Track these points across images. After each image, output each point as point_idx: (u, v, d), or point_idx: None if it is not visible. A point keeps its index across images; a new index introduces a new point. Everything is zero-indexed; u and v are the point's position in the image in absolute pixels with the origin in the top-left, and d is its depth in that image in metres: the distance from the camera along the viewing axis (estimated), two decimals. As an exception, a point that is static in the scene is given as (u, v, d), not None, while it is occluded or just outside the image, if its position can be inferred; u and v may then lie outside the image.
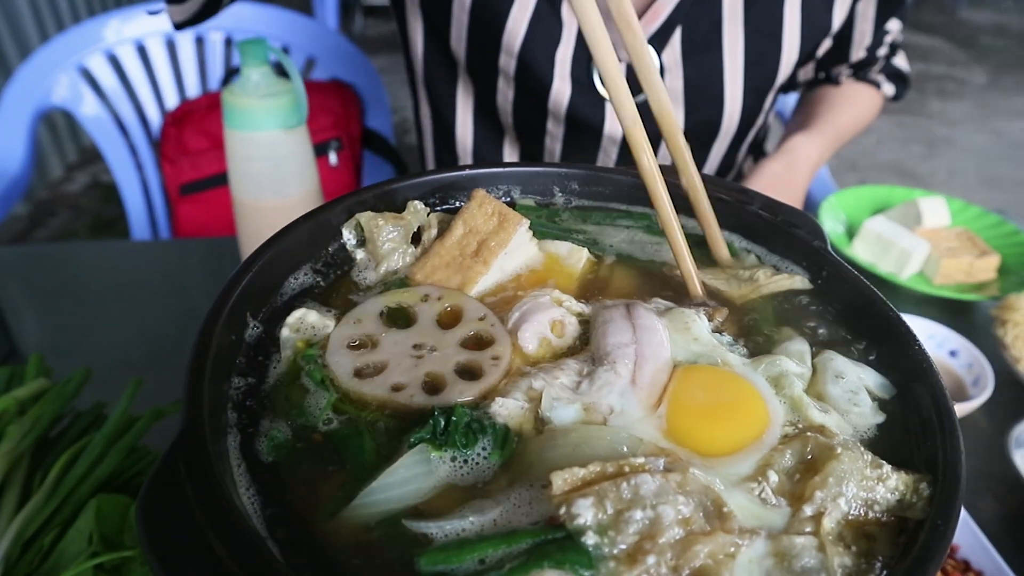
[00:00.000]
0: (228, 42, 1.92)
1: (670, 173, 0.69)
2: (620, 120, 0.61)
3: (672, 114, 0.64)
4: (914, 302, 1.28)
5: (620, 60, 1.17)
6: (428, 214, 0.68)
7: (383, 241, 0.63)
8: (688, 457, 0.47)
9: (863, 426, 0.53)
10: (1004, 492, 0.94)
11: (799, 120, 1.42)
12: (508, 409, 0.49)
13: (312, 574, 0.41)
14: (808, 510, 0.45)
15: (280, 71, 1.05)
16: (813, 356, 0.57)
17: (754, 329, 0.61)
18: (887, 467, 0.47)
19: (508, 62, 1.22)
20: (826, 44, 1.30)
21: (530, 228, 0.65)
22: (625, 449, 0.46)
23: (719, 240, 0.69)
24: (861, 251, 1.37)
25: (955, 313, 1.27)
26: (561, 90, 1.22)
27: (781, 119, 1.93)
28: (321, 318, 0.57)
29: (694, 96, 1.24)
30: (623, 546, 0.41)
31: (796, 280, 0.65)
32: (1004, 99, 5.35)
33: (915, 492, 0.46)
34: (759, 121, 1.37)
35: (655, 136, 1.08)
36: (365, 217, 0.64)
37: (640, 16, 1.16)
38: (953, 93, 5.40)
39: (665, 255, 0.68)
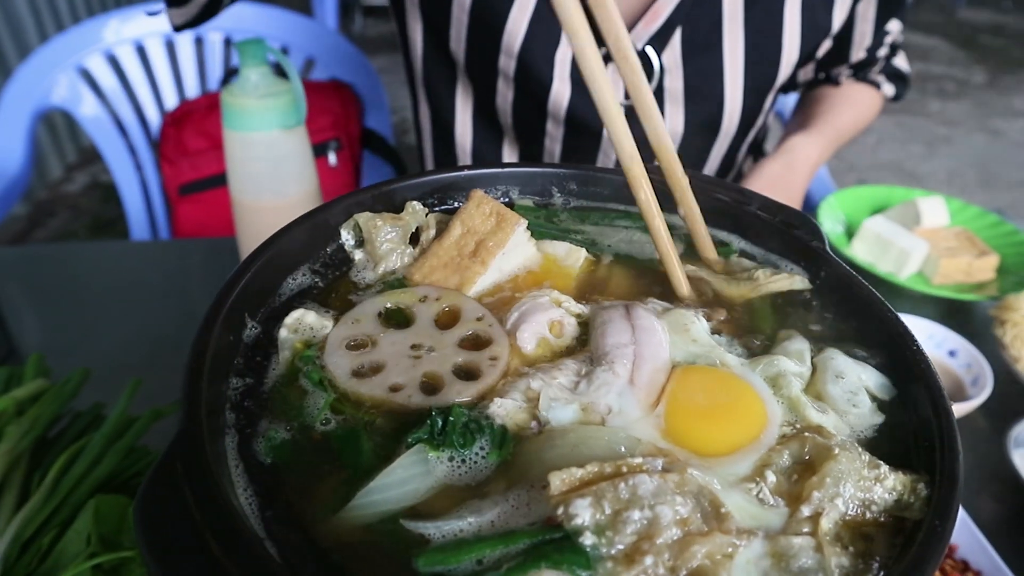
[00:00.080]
0: (227, 42, 1.92)
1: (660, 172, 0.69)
2: (619, 157, 0.62)
3: (670, 148, 0.64)
4: (913, 302, 1.28)
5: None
6: (426, 214, 0.68)
7: (381, 241, 0.63)
8: (686, 457, 0.47)
9: (861, 426, 0.53)
10: (1003, 492, 0.94)
11: (799, 120, 1.42)
12: (506, 409, 0.49)
13: (310, 575, 0.41)
14: (806, 510, 0.45)
15: (279, 71, 1.05)
16: (814, 355, 0.57)
17: (753, 329, 0.61)
18: (885, 467, 0.47)
19: (508, 63, 1.22)
20: (826, 45, 1.30)
21: (528, 228, 0.65)
22: (623, 449, 0.46)
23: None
24: (860, 251, 1.37)
25: (954, 313, 1.27)
26: (561, 91, 1.22)
27: (781, 119, 1.93)
28: (319, 319, 0.57)
29: (694, 96, 1.24)
30: (621, 546, 0.41)
31: (796, 280, 0.65)
32: (1003, 99, 5.35)
33: (913, 492, 0.46)
34: (759, 121, 1.37)
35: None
36: (363, 218, 0.64)
37: (640, 17, 1.16)
38: (952, 93, 5.40)
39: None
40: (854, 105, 1.42)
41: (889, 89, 1.44)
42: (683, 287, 0.64)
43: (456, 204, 0.71)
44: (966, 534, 0.84)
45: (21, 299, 1.23)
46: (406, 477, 0.46)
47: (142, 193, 1.88)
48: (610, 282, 0.66)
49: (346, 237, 0.65)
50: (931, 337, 1.12)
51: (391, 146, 1.90)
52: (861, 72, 1.41)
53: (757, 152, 1.54)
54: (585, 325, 0.59)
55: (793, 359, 0.55)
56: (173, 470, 0.41)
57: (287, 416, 0.50)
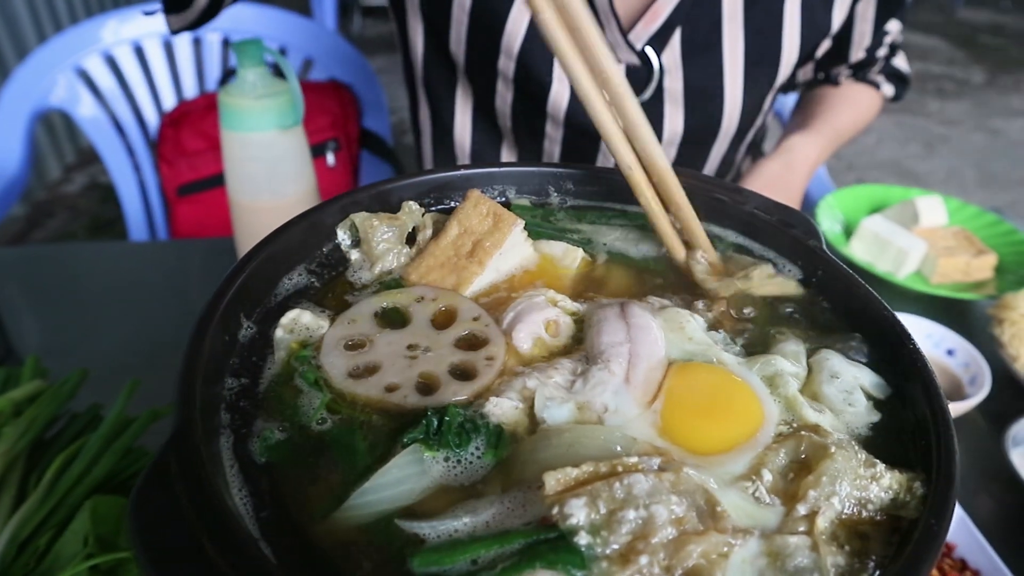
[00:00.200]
0: (226, 43, 1.92)
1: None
2: (618, 166, 0.63)
3: (663, 166, 0.64)
4: (911, 301, 1.28)
5: (620, 61, 1.18)
6: (423, 214, 0.68)
7: (378, 241, 0.63)
8: (682, 456, 0.47)
9: (857, 425, 0.53)
10: (1001, 490, 0.94)
11: (798, 120, 1.42)
12: (502, 409, 0.49)
13: (305, 575, 0.41)
14: (802, 509, 0.45)
15: (277, 72, 1.05)
16: (809, 355, 0.57)
17: (750, 328, 0.61)
18: (881, 466, 0.47)
19: (507, 64, 1.22)
20: (825, 45, 1.30)
21: (525, 228, 0.65)
22: (619, 448, 0.46)
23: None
24: (858, 250, 1.37)
25: (952, 312, 1.27)
26: (560, 92, 1.22)
27: (780, 119, 1.93)
28: (315, 319, 0.57)
29: (694, 97, 1.24)
30: (616, 546, 0.41)
31: (789, 285, 0.65)
32: (1002, 98, 5.36)
33: (909, 491, 0.46)
34: (758, 121, 1.37)
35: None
36: (360, 217, 0.64)
37: (640, 17, 1.16)
38: (951, 92, 5.40)
39: (661, 253, 0.69)
40: (853, 105, 1.42)
41: (888, 89, 1.44)
42: (680, 252, 0.65)
43: (453, 204, 0.71)
44: (964, 533, 0.84)
45: (20, 300, 1.23)
46: (401, 477, 0.45)
47: (140, 194, 1.88)
48: (607, 281, 0.66)
49: (342, 237, 0.65)
50: (929, 336, 1.12)
51: (389, 146, 1.90)
52: (860, 72, 1.41)
53: (756, 152, 1.54)
54: (581, 324, 0.58)
55: (789, 359, 0.55)
56: (168, 471, 0.41)
57: (282, 416, 0.50)
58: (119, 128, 1.87)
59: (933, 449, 0.48)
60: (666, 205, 0.66)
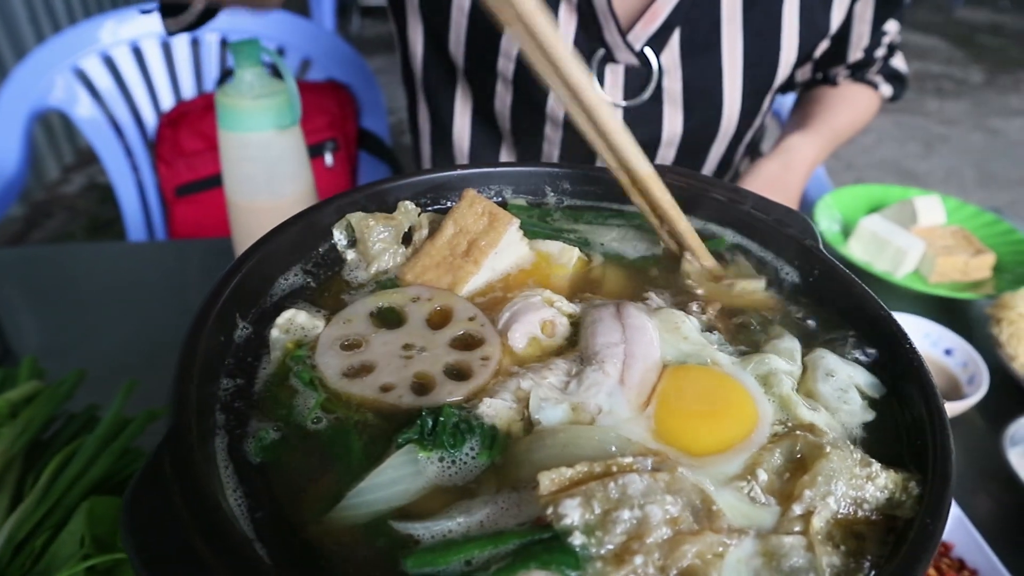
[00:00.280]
0: (224, 43, 1.92)
1: (664, 174, 0.68)
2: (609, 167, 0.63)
3: (651, 176, 0.63)
4: (909, 301, 1.28)
5: (618, 62, 1.18)
6: (419, 214, 0.68)
7: (374, 241, 0.63)
8: (677, 457, 0.47)
9: (853, 424, 0.52)
10: (999, 490, 0.94)
11: (796, 120, 1.42)
12: (496, 409, 0.49)
13: (299, 576, 0.41)
14: (797, 509, 0.45)
15: (275, 72, 1.05)
16: (804, 354, 0.57)
17: (744, 327, 0.61)
18: (876, 465, 0.47)
19: (507, 65, 1.22)
20: (824, 45, 1.30)
21: (521, 228, 0.65)
22: (613, 449, 0.46)
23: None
24: (857, 250, 1.37)
25: (950, 311, 1.27)
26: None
27: (778, 119, 1.93)
28: (311, 319, 0.57)
29: (693, 97, 1.24)
30: (610, 546, 0.41)
31: (768, 302, 0.64)
32: (1001, 98, 5.36)
33: (904, 490, 0.46)
34: (757, 122, 1.37)
35: (655, 141, 1.07)
36: (356, 217, 0.64)
37: (639, 17, 1.16)
38: (950, 92, 5.40)
39: (658, 253, 0.68)
40: (852, 105, 1.42)
41: (887, 89, 1.44)
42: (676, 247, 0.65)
43: (449, 204, 0.71)
44: (962, 532, 0.84)
45: (18, 300, 1.23)
46: (396, 477, 0.45)
47: (138, 194, 1.88)
48: (603, 281, 0.66)
49: (338, 237, 0.65)
50: (927, 335, 1.12)
51: (388, 147, 1.90)
52: (859, 72, 1.41)
53: (754, 152, 1.54)
54: (577, 325, 0.58)
55: (784, 358, 0.55)
56: (162, 472, 0.41)
57: (277, 416, 0.50)
58: (117, 128, 1.87)
59: (929, 448, 0.48)
60: (655, 212, 0.66)
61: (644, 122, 1.25)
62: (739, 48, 1.20)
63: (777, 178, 1.27)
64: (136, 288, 1.27)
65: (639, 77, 1.21)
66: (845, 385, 0.54)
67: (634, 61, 1.19)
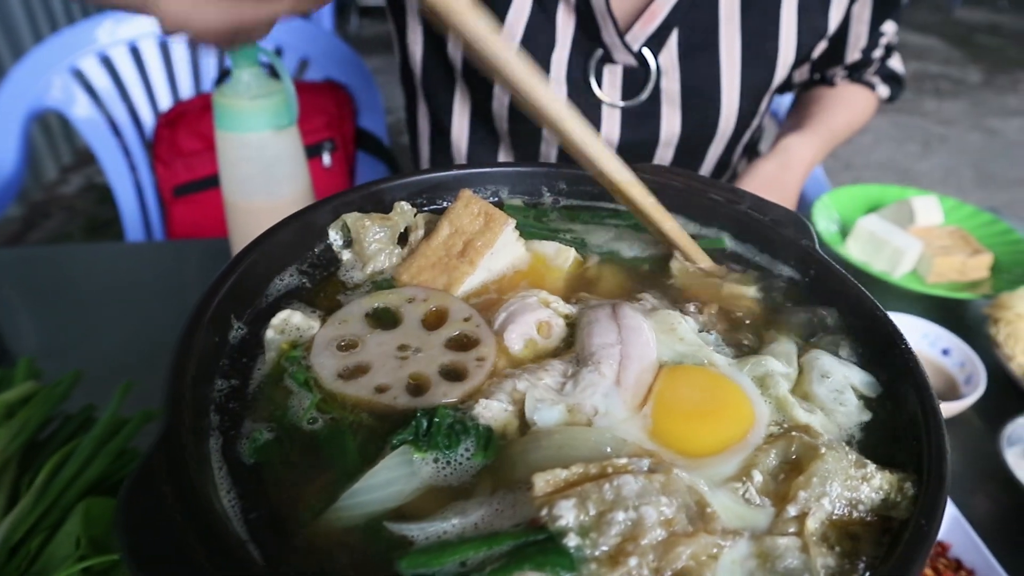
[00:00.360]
0: (222, 43, 1.92)
1: (662, 174, 0.69)
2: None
3: (632, 183, 0.62)
4: (907, 301, 1.28)
5: (617, 62, 1.18)
6: (415, 214, 0.68)
7: (370, 242, 0.63)
8: (672, 458, 0.47)
9: (848, 425, 0.52)
10: (996, 490, 0.94)
11: (794, 121, 1.42)
12: (491, 411, 0.49)
13: (293, 577, 0.41)
14: (792, 510, 0.45)
15: (273, 72, 1.05)
16: (800, 356, 0.57)
17: (741, 329, 0.61)
18: (871, 466, 0.47)
19: None
20: (822, 46, 1.30)
21: (517, 228, 0.65)
22: (609, 450, 0.46)
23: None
24: (854, 250, 1.37)
25: (948, 311, 1.27)
26: (557, 93, 1.22)
27: (776, 120, 1.93)
28: (306, 319, 0.56)
29: (691, 98, 1.24)
30: (605, 548, 0.40)
31: (752, 306, 0.64)
32: (999, 98, 5.36)
33: (899, 491, 0.46)
34: (755, 123, 1.37)
35: (653, 141, 1.07)
36: (352, 218, 0.64)
37: (637, 18, 1.16)
38: (948, 92, 5.41)
39: (654, 253, 0.68)
40: (849, 106, 1.42)
41: (884, 90, 1.44)
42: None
43: (445, 204, 0.71)
44: (959, 533, 0.84)
45: (15, 301, 1.23)
46: (391, 478, 0.45)
47: (136, 194, 1.88)
48: (600, 281, 0.66)
49: (334, 237, 0.65)
50: (925, 336, 1.12)
51: (386, 147, 1.90)
52: (856, 73, 1.42)
53: (752, 153, 1.54)
54: (573, 326, 0.58)
55: (780, 360, 0.55)
56: (156, 472, 0.41)
57: (272, 417, 0.50)
58: (115, 129, 1.86)
59: (924, 449, 0.48)
60: (638, 216, 0.66)
61: (642, 122, 1.25)
62: (737, 49, 1.20)
63: (775, 178, 1.27)
64: (134, 288, 1.27)
65: (637, 78, 1.21)
66: (841, 386, 0.54)
67: (632, 62, 1.19)
